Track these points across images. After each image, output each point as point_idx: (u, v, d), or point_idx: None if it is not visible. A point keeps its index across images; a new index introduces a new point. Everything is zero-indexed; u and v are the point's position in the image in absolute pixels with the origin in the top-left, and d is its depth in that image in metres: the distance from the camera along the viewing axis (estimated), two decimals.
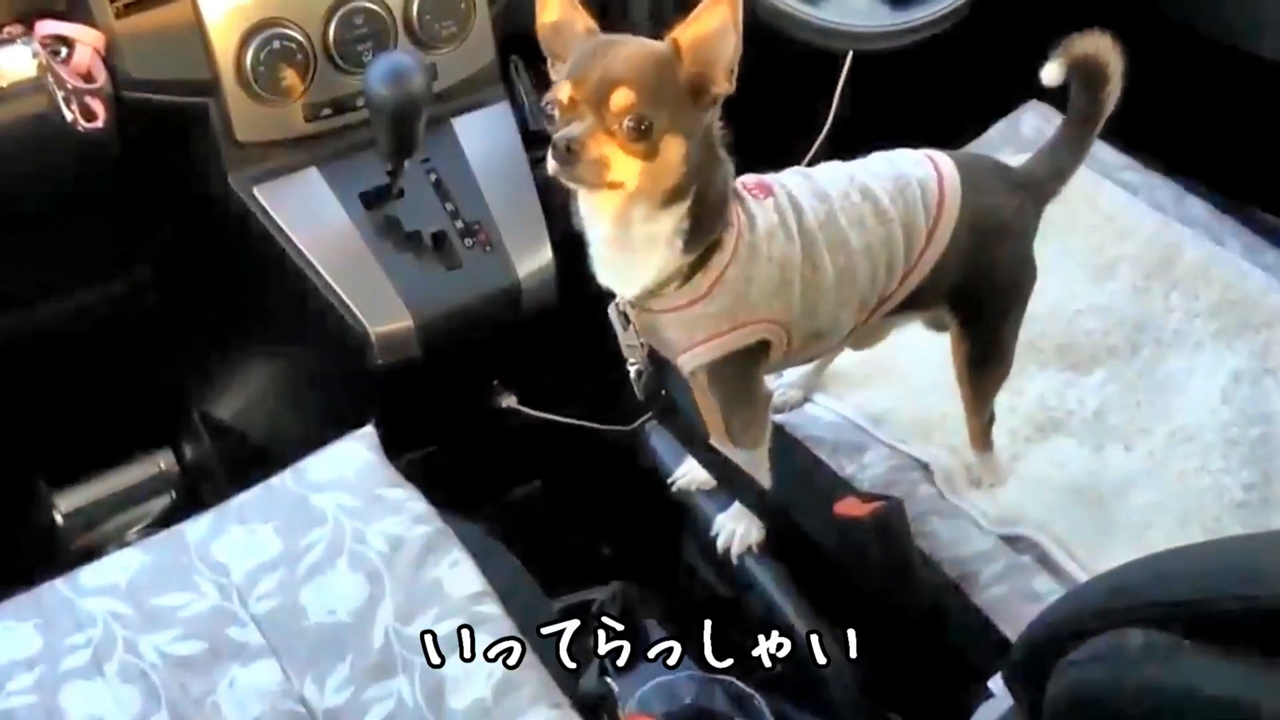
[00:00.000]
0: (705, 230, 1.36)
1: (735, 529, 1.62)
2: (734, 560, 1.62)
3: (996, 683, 1.29)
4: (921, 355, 1.71)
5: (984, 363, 1.59)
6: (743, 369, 1.45)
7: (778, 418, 1.69)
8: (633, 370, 1.51)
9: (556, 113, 1.29)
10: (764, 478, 1.57)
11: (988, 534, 1.60)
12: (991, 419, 1.65)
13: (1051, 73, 1.51)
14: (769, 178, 1.46)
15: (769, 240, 1.40)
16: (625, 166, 1.28)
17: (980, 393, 1.62)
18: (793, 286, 1.42)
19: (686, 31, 1.29)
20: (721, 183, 1.37)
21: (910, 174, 1.49)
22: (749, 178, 1.44)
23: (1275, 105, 2.06)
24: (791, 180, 1.47)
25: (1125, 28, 2.20)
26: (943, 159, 1.51)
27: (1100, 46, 1.51)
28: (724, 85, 1.32)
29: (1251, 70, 2.05)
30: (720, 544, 1.62)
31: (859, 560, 1.56)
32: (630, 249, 1.37)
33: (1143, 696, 0.99)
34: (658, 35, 1.92)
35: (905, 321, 1.61)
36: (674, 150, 1.30)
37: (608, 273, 1.41)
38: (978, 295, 1.54)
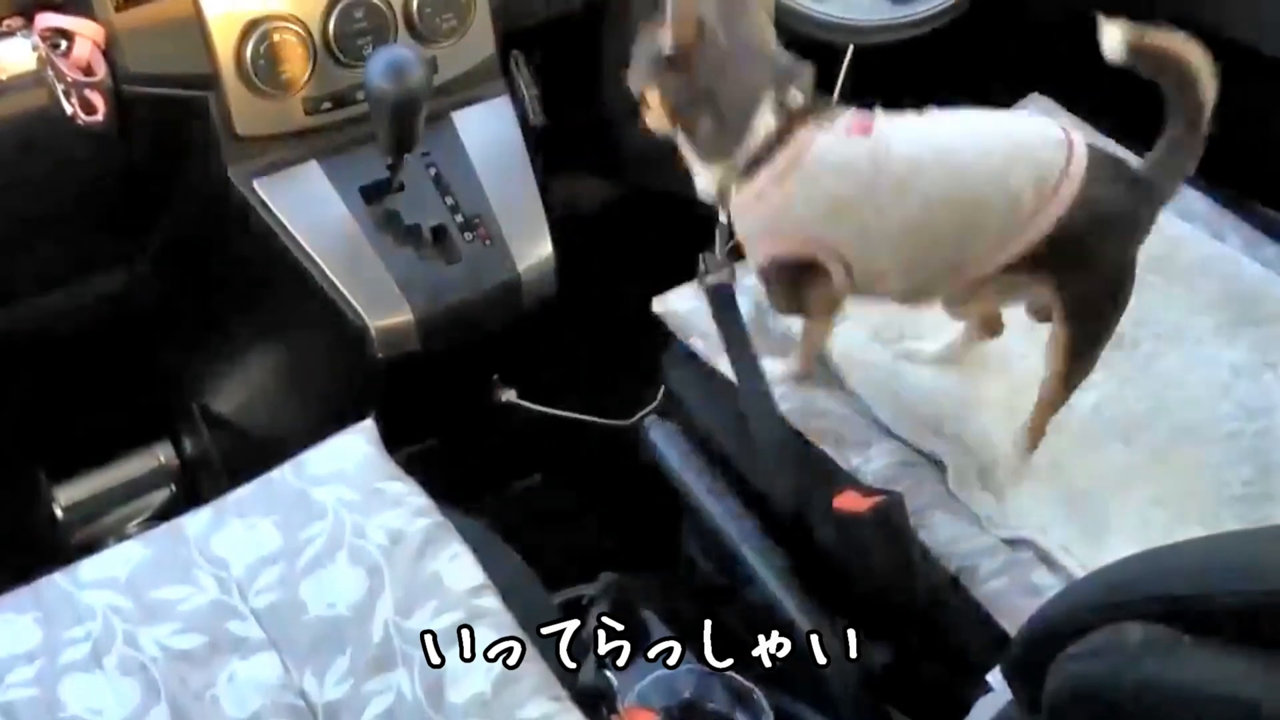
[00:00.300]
0: (768, 154, 1.49)
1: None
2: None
3: (995, 676, 1.29)
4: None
5: (1079, 357, 1.57)
6: (789, 281, 1.57)
7: (785, 408, 1.69)
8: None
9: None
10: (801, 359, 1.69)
11: (988, 530, 1.60)
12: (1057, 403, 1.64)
13: (1113, 43, 1.46)
14: (884, 120, 1.51)
15: (835, 171, 1.48)
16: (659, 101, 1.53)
17: (1067, 386, 1.60)
18: (844, 221, 1.49)
19: None
20: (731, 108, 1.48)
21: (1034, 148, 1.49)
22: (862, 114, 1.51)
23: (1276, 101, 2.06)
24: (907, 128, 1.51)
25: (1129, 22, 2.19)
26: (1080, 146, 1.50)
27: (1181, 47, 1.47)
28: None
29: (1253, 66, 2.05)
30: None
31: (859, 554, 1.56)
32: (690, 160, 1.57)
33: (1141, 692, 0.98)
34: None
35: (1012, 297, 1.61)
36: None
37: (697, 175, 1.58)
38: (1084, 285, 1.53)
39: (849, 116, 1.50)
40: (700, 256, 1.65)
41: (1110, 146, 2.00)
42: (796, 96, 1.49)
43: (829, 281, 1.54)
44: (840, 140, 1.49)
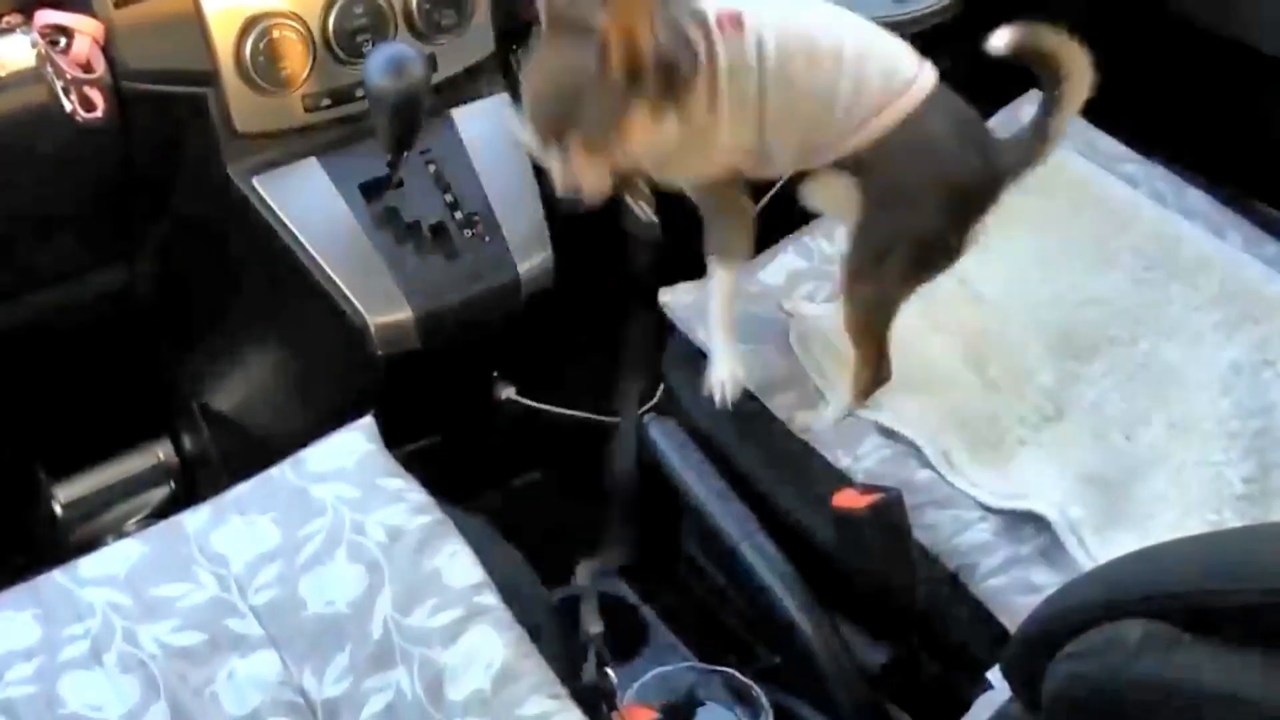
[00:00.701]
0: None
1: (721, 380, 1.66)
2: (727, 406, 1.66)
3: (995, 674, 1.29)
4: (919, 352, 1.71)
5: (859, 275, 1.58)
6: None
7: (782, 414, 1.69)
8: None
9: None
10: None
11: (987, 524, 1.59)
12: (882, 372, 1.64)
13: (998, 39, 1.51)
14: (744, 6, 1.49)
15: (730, 76, 1.46)
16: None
17: (854, 312, 1.61)
18: (749, 116, 1.49)
19: None
20: (686, 58, 1.44)
21: (890, 53, 1.54)
22: (723, 7, 1.48)
23: (1276, 100, 2.06)
24: (769, 12, 1.50)
25: (1126, 19, 2.20)
26: (929, 71, 1.54)
27: (1055, 44, 1.51)
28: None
29: (1253, 64, 2.05)
30: (717, 400, 1.66)
31: (858, 552, 1.56)
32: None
33: (1141, 690, 0.99)
34: None
35: (828, 183, 1.61)
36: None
37: None
38: (881, 200, 1.54)
39: (714, 13, 1.47)
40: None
41: (1108, 143, 2.01)
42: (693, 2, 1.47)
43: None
44: (725, 40, 1.47)
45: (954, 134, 1.55)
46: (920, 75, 1.53)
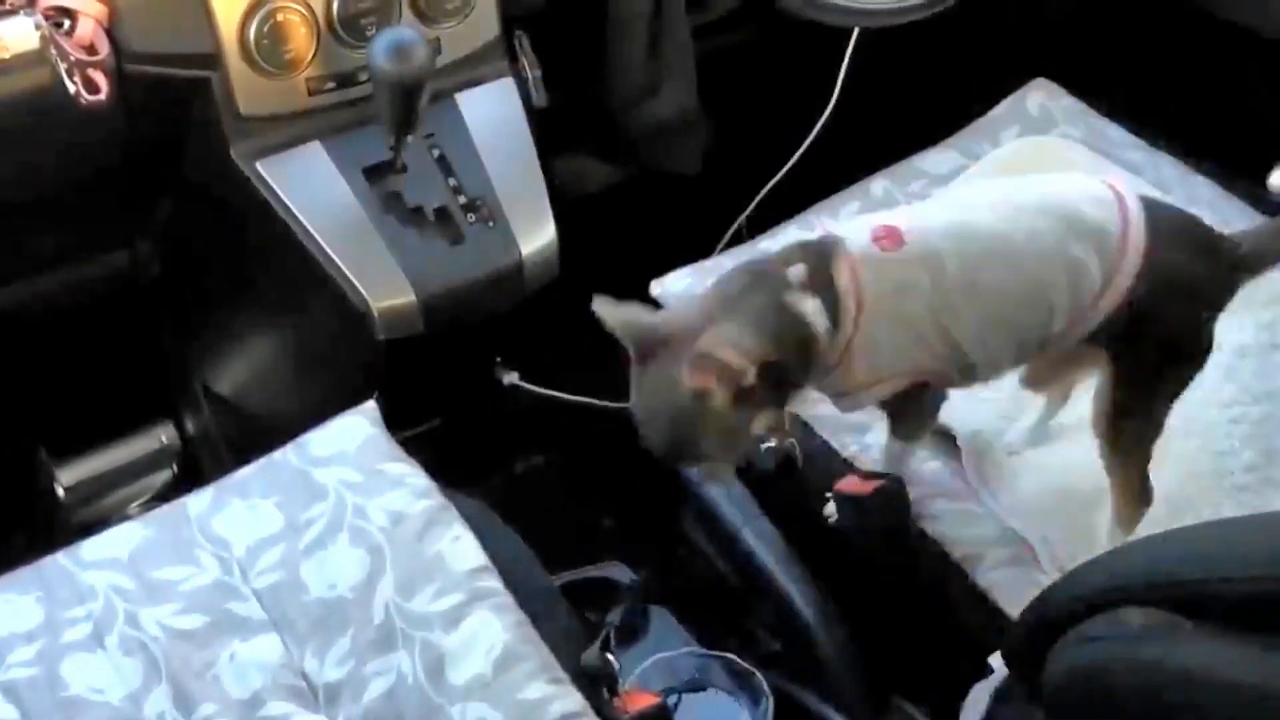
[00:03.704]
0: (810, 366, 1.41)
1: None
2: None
3: (997, 660, 1.29)
4: None
5: (1128, 415, 1.50)
6: (908, 399, 1.48)
7: None
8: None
9: None
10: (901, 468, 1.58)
11: (991, 516, 1.60)
12: (1147, 495, 1.54)
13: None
14: (905, 220, 1.42)
15: (896, 299, 1.39)
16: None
17: (1121, 450, 1.52)
18: (928, 339, 1.41)
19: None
20: (800, 346, 1.39)
21: (1089, 217, 1.42)
22: (879, 224, 1.41)
23: None
24: (933, 219, 1.42)
25: (1132, 6, 2.20)
26: (1133, 208, 1.43)
27: None
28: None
29: (1259, 50, 2.05)
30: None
31: (860, 538, 1.57)
32: None
33: (1142, 676, 0.99)
34: (658, 24, 1.92)
35: (1064, 358, 1.54)
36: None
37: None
38: (1141, 348, 1.47)
39: (864, 230, 1.41)
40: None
41: (1114, 131, 2.00)
42: (797, 271, 1.39)
43: (932, 389, 1.49)
44: (880, 259, 1.39)
45: (1190, 258, 1.45)
46: (1129, 216, 1.42)
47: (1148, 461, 1.52)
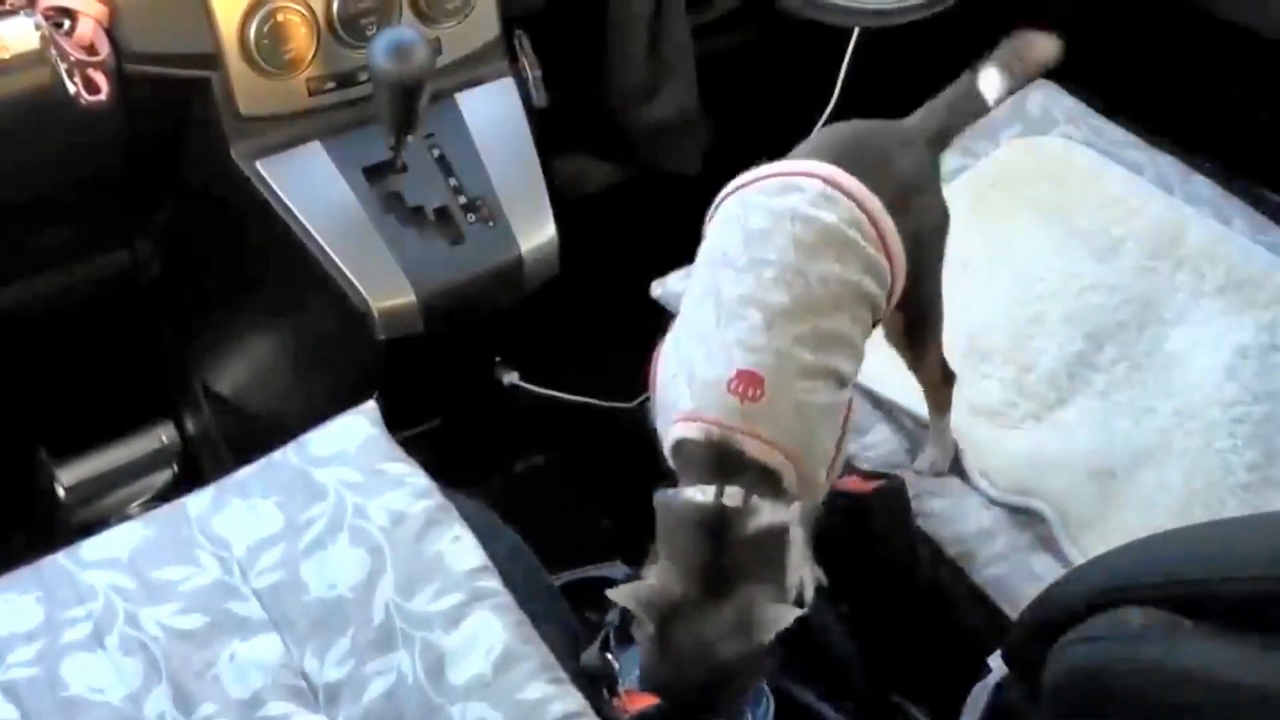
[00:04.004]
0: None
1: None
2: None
3: (996, 660, 1.29)
4: None
5: (918, 323, 1.56)
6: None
7: None
8: None
9: None
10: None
11: (988, 512, 1.60)
12: (949, 373, 1.61)
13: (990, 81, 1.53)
14: (741, 355, 1.36)
15: (795, 421, 1.37)
16: None
17: (919, 350, 1.58)
18: (832, 412, 1.41)
19: None
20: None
21: (854, 243, 1.41)
22: (733, 373, 1.36)
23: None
24: (754, 326, 1.37)
25: (1132, 6, 2.19)
26: (823, 175, 1.43)
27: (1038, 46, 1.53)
28: None
29: (1259, 50, 2.05)
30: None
31: (860, 538, 1.57)
32: None
33: (1142, 676, 0.99)
34: (659, 24, 1.91)
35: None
36: None
37: None
38: (913, 261, 1.49)
39: (719, 385, 1.35)
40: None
41: (1114, 130, 2.00)
42: (736, 493, 1.34)
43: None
44: (756, 410, 1.34)
45: (900, 157, 1.50)
46: (843, 193, 1.42)
47: (940, 344, 1.58)
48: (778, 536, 1.35)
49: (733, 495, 1.33)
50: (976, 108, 1.59)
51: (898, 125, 1.56)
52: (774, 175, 1.46)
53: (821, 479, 1.42)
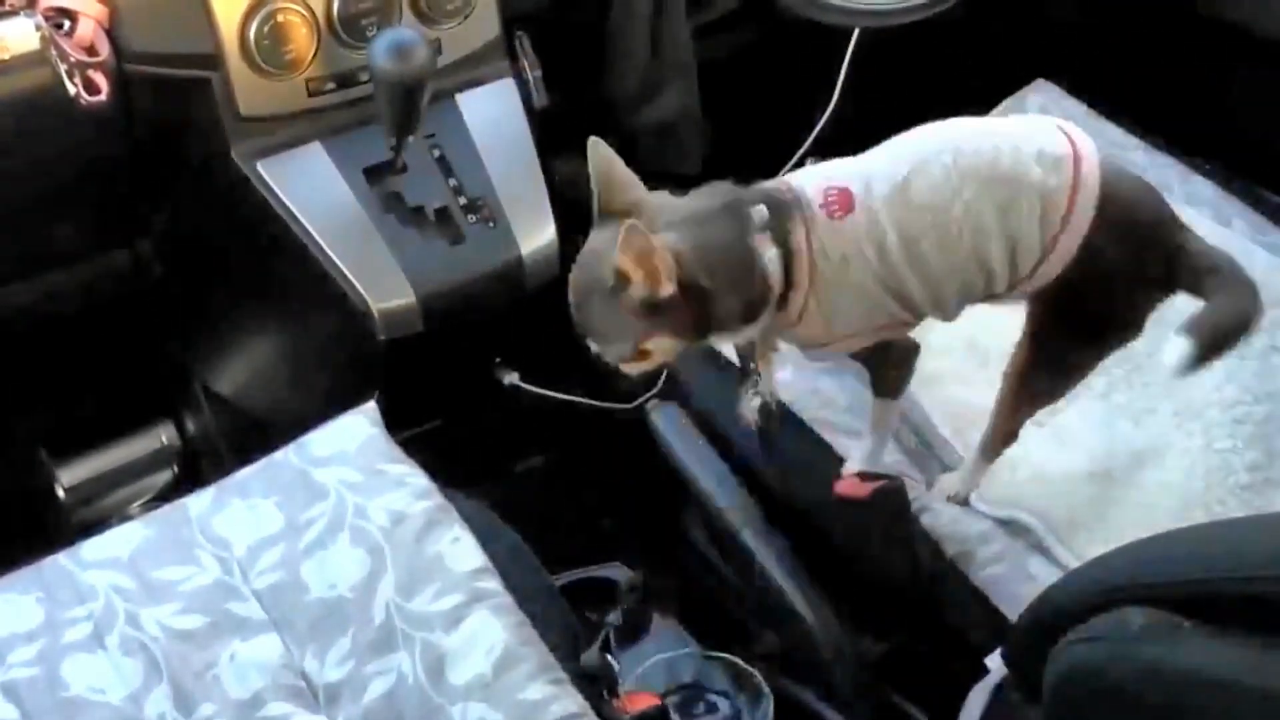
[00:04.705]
0: (748, 312, 1.41)
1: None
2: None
3: (995, 660, 1.29)
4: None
5: (1038, 373, 1.51)
6: (876, 352, 1.51)
7: (785, 397, 1.69)
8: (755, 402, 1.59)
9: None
10: (888, 424, 1.60)
11: (985, 515, 1.60)
12: (1014, 437, 1.57)
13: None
14: (855, 181, 1.41)
15: (843, 269, 1.40)
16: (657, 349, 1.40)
17: (1019, 401, 1.54)
18: (881, 303, 1.43)
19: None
20: (743, 287, 1.39)
21: (1037, 181, 1.39)
22: (832, 185, 1.41)
23: None
24: (878, 182, 1.40)
25: (1132, 7, 2.19)
26: (1087, 161, 1.40)
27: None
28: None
29: (1258, 50, 2.05)
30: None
31: (859, 539, 1.57)
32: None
33: (1142, 676, 0.99)
34: (659, 25, 1.91)
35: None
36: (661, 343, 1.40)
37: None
38: (1065, 315, 1.46)
39: (817, 192, 1.40)
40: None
41: (1114, 131, 2.00)
42: (761, 212, 1.39)
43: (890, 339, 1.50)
44: (830, 227, 1.39)
45: (1132, 250, 1.44)
46: (1082, 180, 1.39)
47: (1030, 417, 1.56)
48: (751, 270, 1.38)
49: (761, 216, 1.38)
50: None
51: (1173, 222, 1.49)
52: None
53: (815, 331, 1.44)
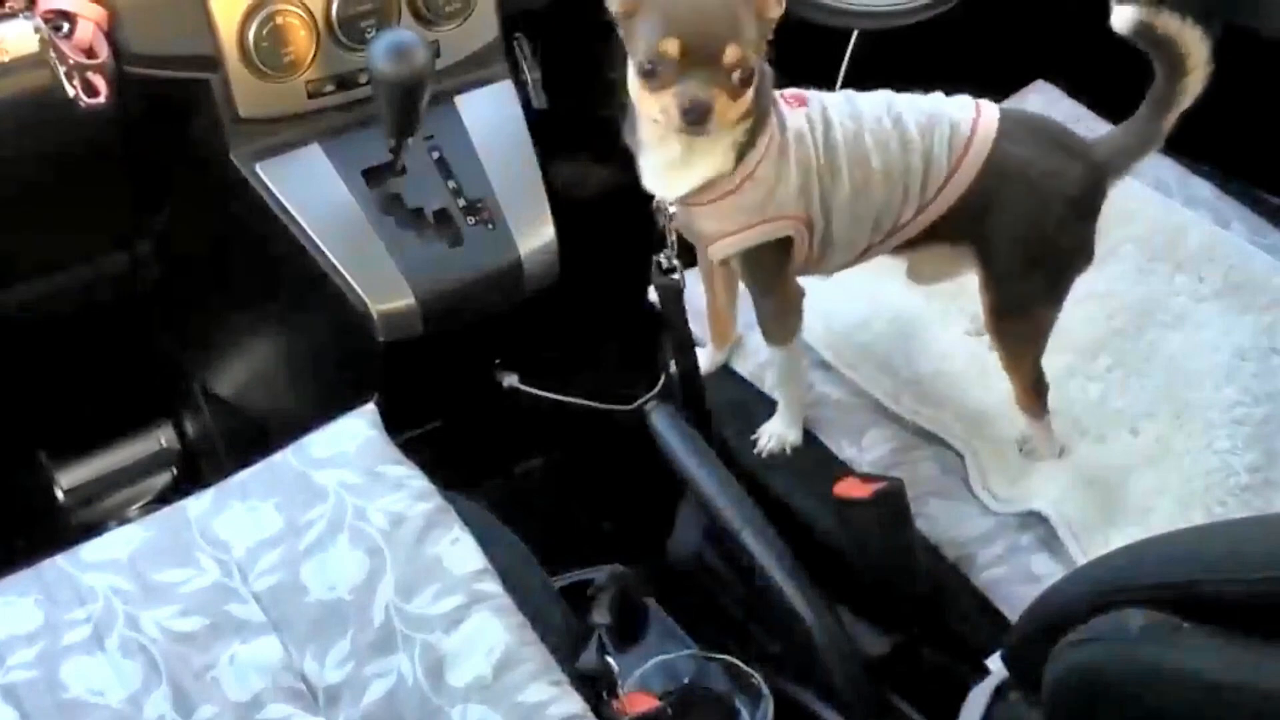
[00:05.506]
0: (754, 139, 1.48)
1: (774, 431, 1.69)
2: (763, 453, 1.70)
3: (995, 662, 1.29)
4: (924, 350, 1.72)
5: (1005, 315, 1.60)
6: (772, 261, 1.56)
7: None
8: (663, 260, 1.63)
9: (661, 68, 1.39)
10: (798, 383, 1.68)
11: (987, 516, 1.60)
12: (1042, 385, 1.64)
13: (1122, 18, 1.49)
14: (809, 92, 1.55)
15: (797, 143, 1.50)
16: (730, 110, 1.42)
17: (1007, 349, 1.63)
18: (813, 188, 1.52)
19: None
20: (767, 94, 1.49)
21: (947, 113, 1.54)
22: (788, 91, 1.54)
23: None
24: (831, 98, 1.56)
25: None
26: (989, 107, 1.56)
27: (1184, 34, 1.49)
28: (777, 9, 1.44)
29: (1258, 50, 2.05)
30: (760, 446, 1.69)
31: (860, 540, 1.57)
32: (690, 163, 1.50)
33: (1141, 677, 0.99)
34: None
35: (935, 258, 1.63)
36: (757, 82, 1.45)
37: (657, 181, 1.54)
38: (999, 244, 1.55)
39: (778, 93, 1.53)
40: (654, 260, 1.64)
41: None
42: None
43: (790, 258, 1.57)
44: (785, 110, 1.52)
45: (1042, 153, 1.55)
46: (981, 119, 1.54)
47: (1039, 355, 1.62)
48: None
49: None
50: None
51: (1074, 135, 1.60)
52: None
53: (757, 197, 1.51)
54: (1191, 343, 1.75)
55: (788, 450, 1.69)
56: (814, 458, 1.67)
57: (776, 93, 1.52)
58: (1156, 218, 1.88)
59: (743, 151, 1.48)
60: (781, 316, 1.63)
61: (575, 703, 1.34)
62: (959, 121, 1.54)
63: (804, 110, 1.52)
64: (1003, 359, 1.64)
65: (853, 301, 1.77)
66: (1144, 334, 1.76)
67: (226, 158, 1.67)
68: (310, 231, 1.66)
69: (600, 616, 1.50)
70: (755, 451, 1.69)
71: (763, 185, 1.50)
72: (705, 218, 1.55)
